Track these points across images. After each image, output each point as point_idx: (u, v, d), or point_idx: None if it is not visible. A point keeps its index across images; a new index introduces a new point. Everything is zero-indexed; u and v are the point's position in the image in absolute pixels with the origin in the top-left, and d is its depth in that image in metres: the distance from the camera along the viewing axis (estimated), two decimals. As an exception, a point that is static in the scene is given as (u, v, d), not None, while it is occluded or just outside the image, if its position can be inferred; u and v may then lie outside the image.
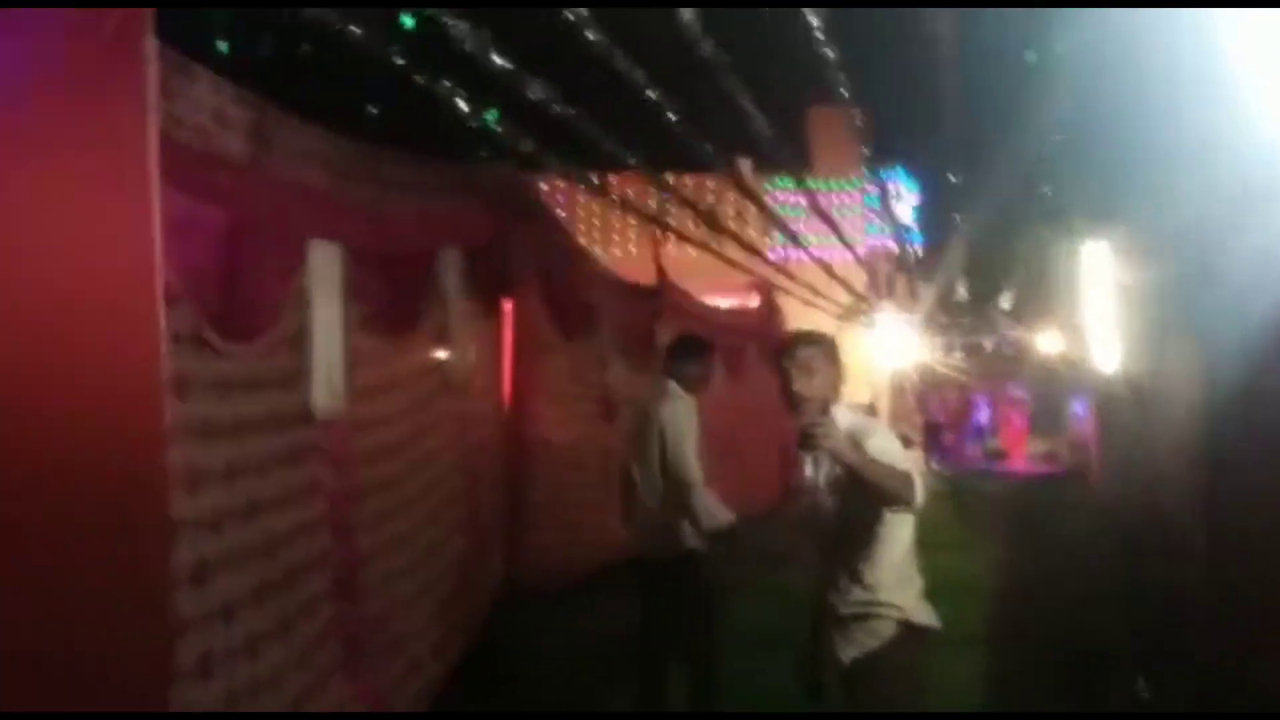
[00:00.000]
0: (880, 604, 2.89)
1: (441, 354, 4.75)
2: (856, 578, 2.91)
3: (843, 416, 2.95)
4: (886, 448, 2.83)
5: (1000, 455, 20.94)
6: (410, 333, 4.35)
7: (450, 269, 4.80)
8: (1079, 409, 18.44)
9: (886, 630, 2.89)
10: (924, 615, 2.94)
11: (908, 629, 2.88)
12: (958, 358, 25.15)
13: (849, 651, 2.93)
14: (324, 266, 3.65)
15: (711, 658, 4.36)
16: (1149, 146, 6.37)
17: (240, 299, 3.04)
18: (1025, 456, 20.92)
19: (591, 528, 6.47)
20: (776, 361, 3.08)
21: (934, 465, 17.80)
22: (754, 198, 10.42)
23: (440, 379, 4.74)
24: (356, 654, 3.59)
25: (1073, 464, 16.52)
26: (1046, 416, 22.20)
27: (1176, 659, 5.07)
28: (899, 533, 2.90)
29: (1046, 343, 17.10)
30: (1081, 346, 12.61)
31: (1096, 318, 8.56)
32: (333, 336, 3.67)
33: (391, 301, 4.12)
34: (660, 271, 8.89)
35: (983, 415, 21.46)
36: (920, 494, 2.71)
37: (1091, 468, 13.70)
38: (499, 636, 4.94)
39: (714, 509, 4.41)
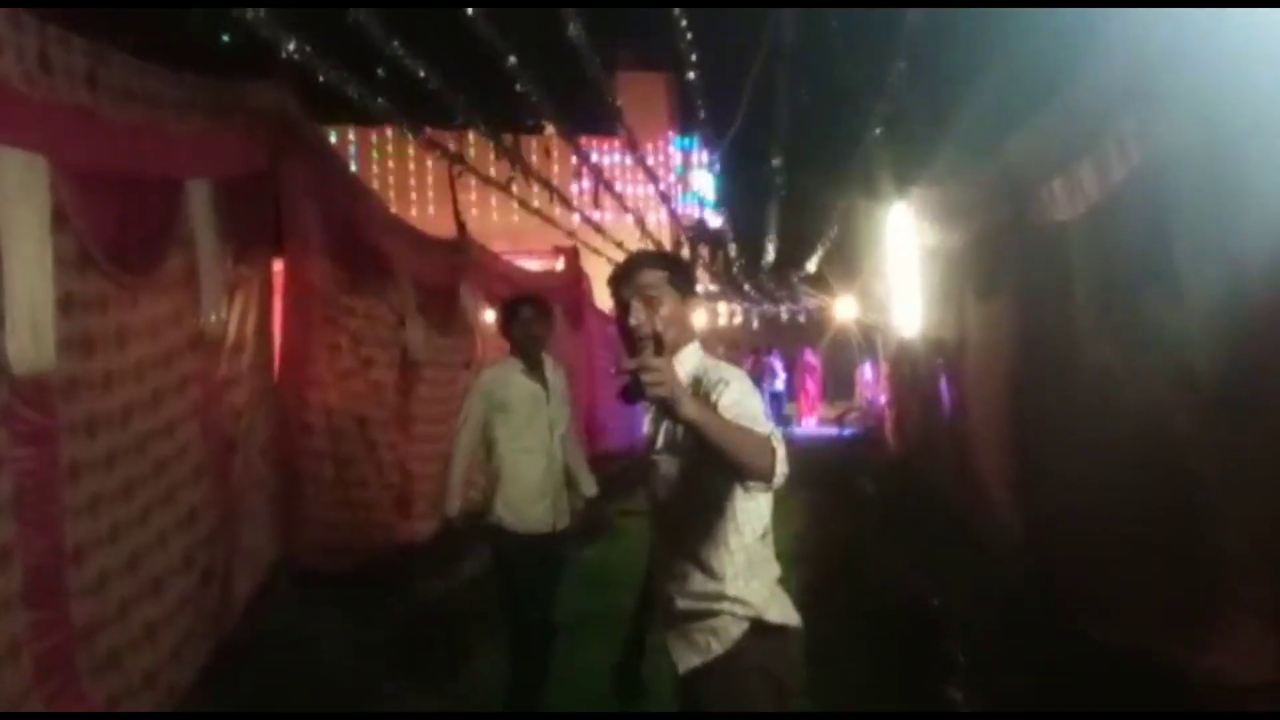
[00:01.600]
0: (727, 598, 2.30)
1: (189, 303, 3.98)
2: (700, 564, 2.32)
3: (690, 359, 2.38)
4: (744, 404, 2.20)
5: (793, 419, 21.55)
6: (145, 275, 3.58)
7: (202, 203, 4.02)
8: (869, 374, 19.22)
9: (734, 631, 2.29)
10: (779, 611, 2.34)
11: (760, 629, 2.29)
12: (756, 324, 25.76)
13: (689, 658, 2.33)
14: (21, 183, 2.88)
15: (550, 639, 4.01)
16: (966, 105, 6.33)
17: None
18: (818, 420, 21.66)
19: (384, 506, 5.81)
20: (615, 289, 2.43)
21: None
22: (569, 146, 9.87)
23: (188, 333, 3.98)
24: (58, 671, 2.87)
25: (865, 427, 17.11)
26: (838, 381, 23.11)
27: (995, 615, 5.05)
28: (754, 510, 2.31)
29: (843, 309, 17.55)
30: (878, 311, 12.97)
31: (899, 280, 8.65)
32: (34, 272, 2.90)
33: (119, 234, 3.34)
34: (460, 225, 8.23)
35: (779, 380, 22.00)
36: (783, 465, 2.13)
37: (885, 430, 14.16)
38: (265, 628, 4.26)
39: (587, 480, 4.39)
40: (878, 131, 7.08)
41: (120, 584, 3.34)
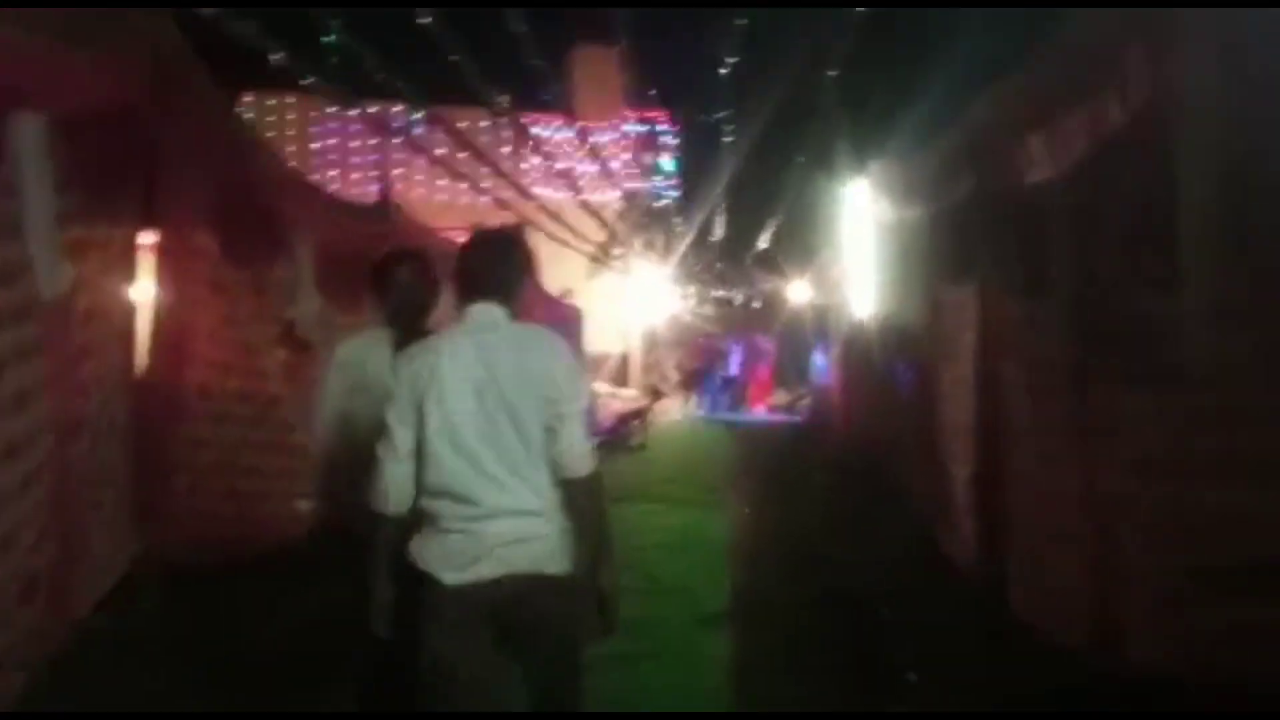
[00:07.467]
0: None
1: (17, 260, 3.33)
2: None
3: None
4: None
5: (745, 404, 21.32)
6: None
7: (32, 142, 3.36)
8: (821, 360, 18.86)
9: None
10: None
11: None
12: (708, 309, 25.34)
13: None
14: None
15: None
16: (931, 70, 5.86)
17: None
18: (768, 406, 21.31)
19: (275, 498, 5.20)
20: None
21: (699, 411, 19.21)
22: (516, 127, 9.30)
23: (21, 295, 3.33)
24: None
25: (814, 413, 16.76)
26: (795, 368, 22.77)
27: (949, 623, 4.65)
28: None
29: (797, 292, 17.19)
30: (831, 294, 12.51)
31: (854, 260, 8.17)
32: None
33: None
34: (383, 190, 7.61)
35: (733, 366, 21.72)
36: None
37: (834, 417, 13.77)
38: (118, 629, 3.71)
39: None
40: (830, 100, 6.60)
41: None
